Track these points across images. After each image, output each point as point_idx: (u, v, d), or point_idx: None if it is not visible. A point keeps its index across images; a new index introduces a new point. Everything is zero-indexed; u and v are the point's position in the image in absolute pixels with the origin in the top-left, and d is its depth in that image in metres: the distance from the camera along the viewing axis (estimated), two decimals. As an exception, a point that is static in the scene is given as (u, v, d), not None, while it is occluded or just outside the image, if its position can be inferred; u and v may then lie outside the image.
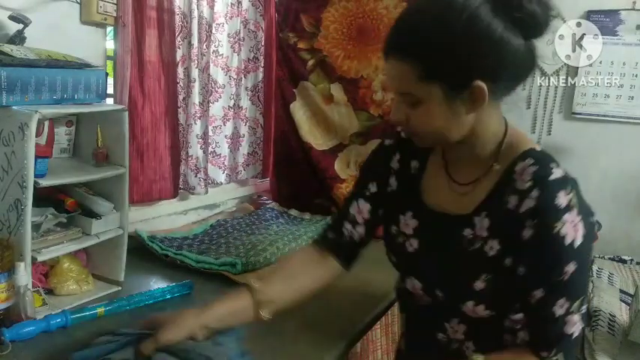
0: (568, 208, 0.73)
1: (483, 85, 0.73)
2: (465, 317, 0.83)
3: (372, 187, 0.96)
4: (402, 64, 0.75)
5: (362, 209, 0.96)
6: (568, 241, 0.72)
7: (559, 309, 0.74)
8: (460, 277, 0.81)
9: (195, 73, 1.79)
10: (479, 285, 0.79)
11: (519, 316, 0.79)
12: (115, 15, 1.47)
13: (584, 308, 0.75)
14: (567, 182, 0.75)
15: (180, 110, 1.79)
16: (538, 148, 0.81)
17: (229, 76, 2.04)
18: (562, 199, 0.73)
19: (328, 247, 0.98)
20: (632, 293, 1.79)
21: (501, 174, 0.80)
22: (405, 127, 0.83)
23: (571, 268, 0.73)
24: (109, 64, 1.56)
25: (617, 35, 2.27)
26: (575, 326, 0.75)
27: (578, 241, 0.73)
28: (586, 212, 0.75)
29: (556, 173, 0.76)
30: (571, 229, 0.72)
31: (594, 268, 2.09)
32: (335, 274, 1.00)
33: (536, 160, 0.78)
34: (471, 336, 0.85)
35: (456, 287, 0.83)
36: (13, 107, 1.03)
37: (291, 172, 2.20)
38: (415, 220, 0.88)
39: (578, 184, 0.77)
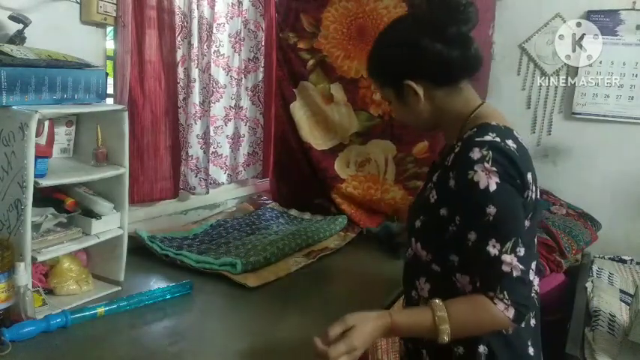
0: (480, 160, 0.84)
1: (410, 82, 0.95)
2: (429, 274, 0.97)
3: None
4: (371, 78, 1.07)
5: None
6: (482, 186, 0.83)
7: (492, 249, 0.83)
8: (412, 215, 1.01)
9: (195, 73, 1.79)
10: (417, 223, 0.98)
11: (466, 279, 0.91)
12: (115, 15, 1.47)
13: (520, 251, 0.82)
14: (488, 145, 0.86)
15: (180, 110, 1.79)
16: (494, 123, 0.92)
17: (230, 76, 2.04)
18: (476, 153, 0.85)
19: None
20: (632, 293, 1.79)
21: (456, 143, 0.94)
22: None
23: (492, 210, 0.83)
24: (109, 64, 1.56)
25: (617, 35, 2.26)
26: (511, 266, 0.82)
27: (492, 187, 0.83)
28: (504, 173, 0.84)
29: (485, 138, 0.87)
30: (483, 177, 0.83)
31: (594, 268, 2.09)
32: None
33: (479, 129, 0.91)
34: (434, 295, 0.93)
35: (409, 222, 1.02)
36: (13, 107, 1.03)
37: (291, 172, 2.20)
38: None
39: (507, 151, 0.86)
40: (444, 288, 0.93)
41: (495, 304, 0.82)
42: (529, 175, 0.89)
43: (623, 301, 1.76)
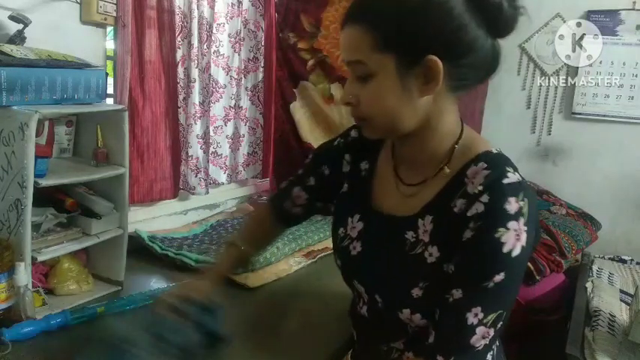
0: (516, 215, 0.68)
1: (438, 60, 0.69)
2: (405, 329, 0.81)
3: (311, 181, 1.01)
4: (357, 31, 0.72)
5: (300, 196, 1.02)
6: (506, 249, 0.68)
7: (472, 317, 0.69)
8: (399, 282, 0.78)
9: (195, 73, 1.79)
10: (416, 292, 0.76)
11: None
12: (115, 15, 1.47)
13: (499, 325, 0.70)
14: (521, 188, 0.70)
15: (180, 110, 1.79)
16: (494, 150, 0.77)
17: (230, 76, 2.05)
18: (512, 204, 0.68)
19: (278, 215, 1.08)
20: (632, 293, 1.79)
21: (452, 177, 0.76)
22: (355, 111, 0.77)
23: (499, 277, 0.68)
24: (109, 64, 1.56)
25: (617, 35, 2.26)
26: (482, 340, 0.70)
27: (516, 252, 0.68)
28: (533, 224, 0.70)
29: (510, 177, 0.71)
30: (512, 238, 0.68)
31: (594, 268, 2.09)
32: (281, 232, 1.16)
33: (490, 163, 0.73)
34: (411, 346, 0.81)
35: (395, 293, 0.79)
36: (13, 107, 1.03)
37: (291, 173, 2.19)
38: (361, 222, 0.87)
39: (533, 193, 0.73)
40: (425, 339, 0.77)
41: None
42: None
43: (623, 301, 1.76)
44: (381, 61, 0.71)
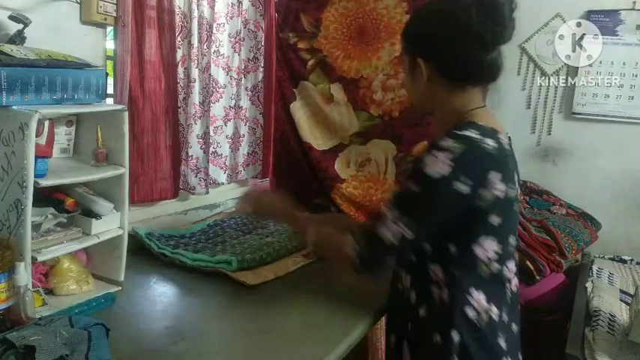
0: (444, 149, 0.87)
1: (421, 62, 0.99)
2: (408, 266, 1.02)
3: None
4: (402, 38, 1.07)
5: None
6: (424, 168, 0.87)
7: (386, 210, 0.93)
8: None
9: (195, 73, 1.79)
10: None
11: (438, 268, 0.96)
12: (115, 15, 1.47)
13: (401, 226, 0.90)
14: (467, 140, 0.88)
15: (180, 110, 1.79)
16: (482, 124, 0.93)
17: (230, 76, 2.04)
18: (447, 141, 0.88)
19: None
20: (632, 293, 1.79)
21: None
22: None
23: (415, 189, 0.89)
24: (109, 64, 1.56)
25: (617, 35, 2.26)
26: (389, 234, 0.91)
27: (434, 175, 0.86)
28: (464, 172, 0.86)
29: (465, 132, 0.90)
30: (431, 160, 0.87)
31: (594, 268, 2.09)
32: None
33: (463, 124, 0.93)
34: (413, 286, 1.02)
35: None
36: (13, 107, 1.03)
37: (291, 172, 2.20)
38: None
39: (485, 153, 0.88)
40: (422, 280, 0.99)
41: (349, 243, 0.98)
42: (493, 175, 0.88)
43: (623, 301, 1.76)
44: (405, 58, 1.05)
